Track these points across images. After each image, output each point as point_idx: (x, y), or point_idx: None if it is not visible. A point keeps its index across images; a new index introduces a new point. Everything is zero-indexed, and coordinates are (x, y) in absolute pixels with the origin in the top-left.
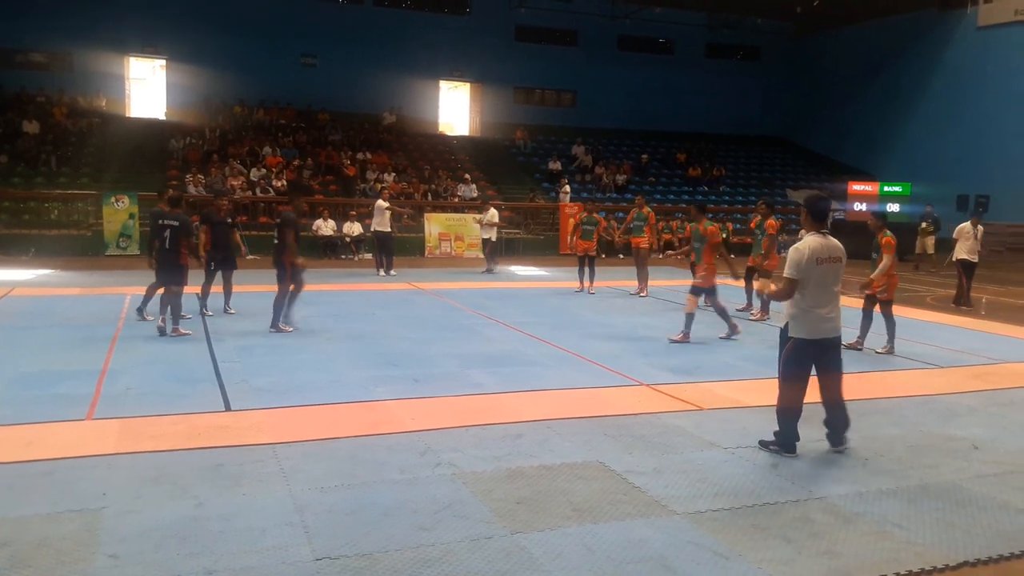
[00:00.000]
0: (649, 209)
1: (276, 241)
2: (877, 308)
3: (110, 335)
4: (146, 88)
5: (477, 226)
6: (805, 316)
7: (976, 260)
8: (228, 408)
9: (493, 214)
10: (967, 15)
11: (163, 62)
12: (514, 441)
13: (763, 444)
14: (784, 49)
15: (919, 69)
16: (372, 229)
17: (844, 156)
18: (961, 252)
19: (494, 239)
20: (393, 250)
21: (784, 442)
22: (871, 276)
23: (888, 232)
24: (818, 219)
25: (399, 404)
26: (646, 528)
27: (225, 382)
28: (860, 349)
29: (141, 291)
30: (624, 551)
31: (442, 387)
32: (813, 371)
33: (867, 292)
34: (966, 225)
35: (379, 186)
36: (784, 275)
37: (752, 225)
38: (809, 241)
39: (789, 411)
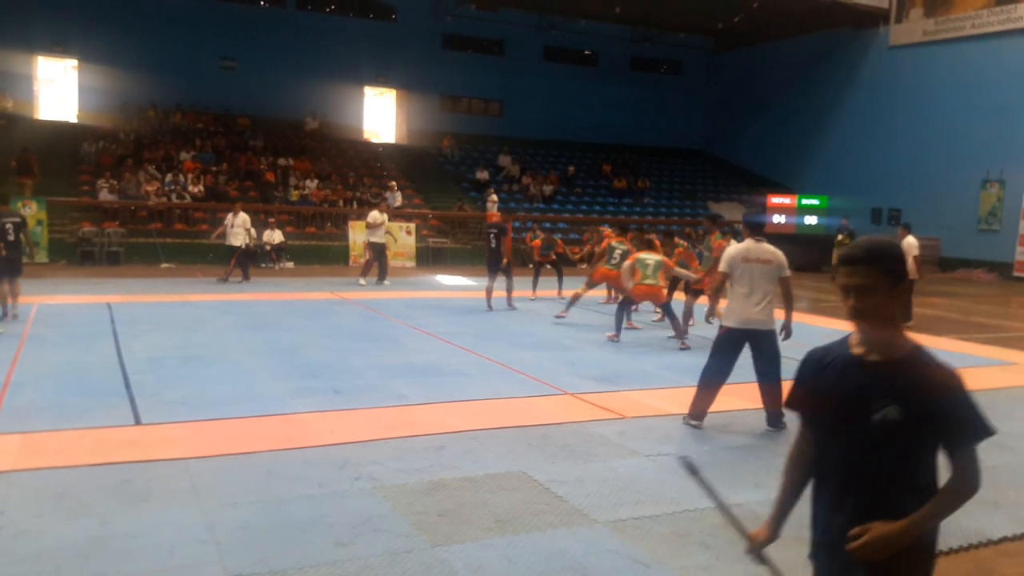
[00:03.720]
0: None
1: (493, 246)
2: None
3: (14, 346)
4: (56, 90)
5: (405, 235)
6: (733, 308)
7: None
8: (138, 422)
9: (244, 218)
10: (879, 34)
11: (75, 63)
12: (436, 453)
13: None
14: (706, 64)
15: (835, 86)
16: (368, 240)
17: (764, 169)
18: None
19: (242, 245)
20: (386, 260)
21: (693, 413)
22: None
23: (720, 236)
24: (753, 231)
25: (318, 417)
26: (567, 538)
27: (135, 395)
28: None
29: (50, 300)
30: (545, 562)
31: (364, 399)
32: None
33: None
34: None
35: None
36: (718, 270)
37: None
38: (741, 244)
39: (705, 385)
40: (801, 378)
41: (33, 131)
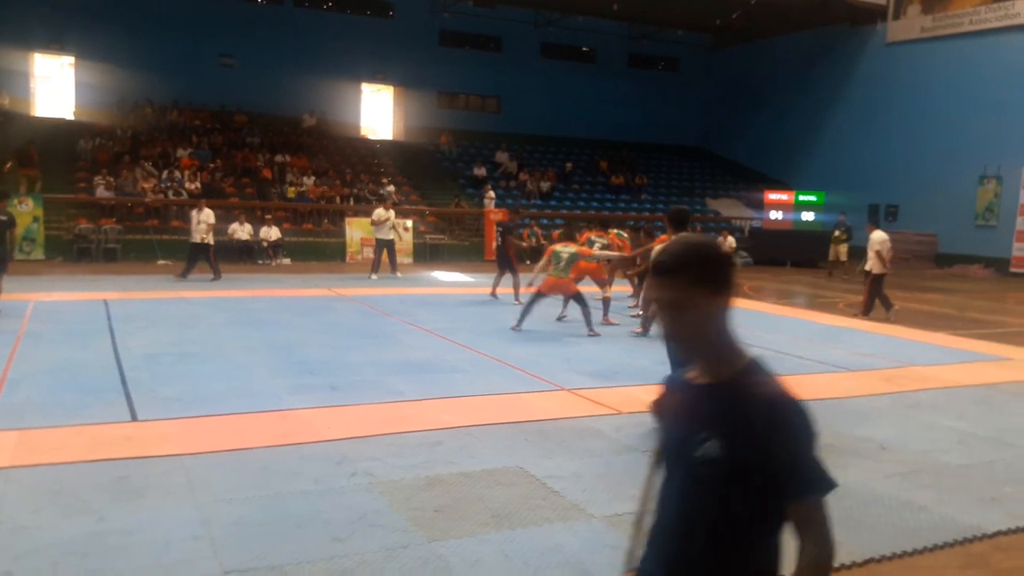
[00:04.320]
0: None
1: (500, 243)
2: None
3: (10, 343)
4: (53, 86)
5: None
6: None
7: (866, 269)
8: (134, 418)
9: (208, 214)
10: (877, 31)
11: (71, 60)
12: (433, 448)
13: None
14: (703, 60)
15: (833, 82)
16: (375, 237)
17: (761, 166)
18: None
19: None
20: (395, 254)
21: None
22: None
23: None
24: (677, 226)
25: (315, 413)
26: (564, 533)
27: (131, 391)
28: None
29: (46, 296)
30: (541, 556)
31: (361, 395)
32: None
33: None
34: None
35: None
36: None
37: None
38: (668, 242)
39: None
40: (656, 408)
41: (30, 128)
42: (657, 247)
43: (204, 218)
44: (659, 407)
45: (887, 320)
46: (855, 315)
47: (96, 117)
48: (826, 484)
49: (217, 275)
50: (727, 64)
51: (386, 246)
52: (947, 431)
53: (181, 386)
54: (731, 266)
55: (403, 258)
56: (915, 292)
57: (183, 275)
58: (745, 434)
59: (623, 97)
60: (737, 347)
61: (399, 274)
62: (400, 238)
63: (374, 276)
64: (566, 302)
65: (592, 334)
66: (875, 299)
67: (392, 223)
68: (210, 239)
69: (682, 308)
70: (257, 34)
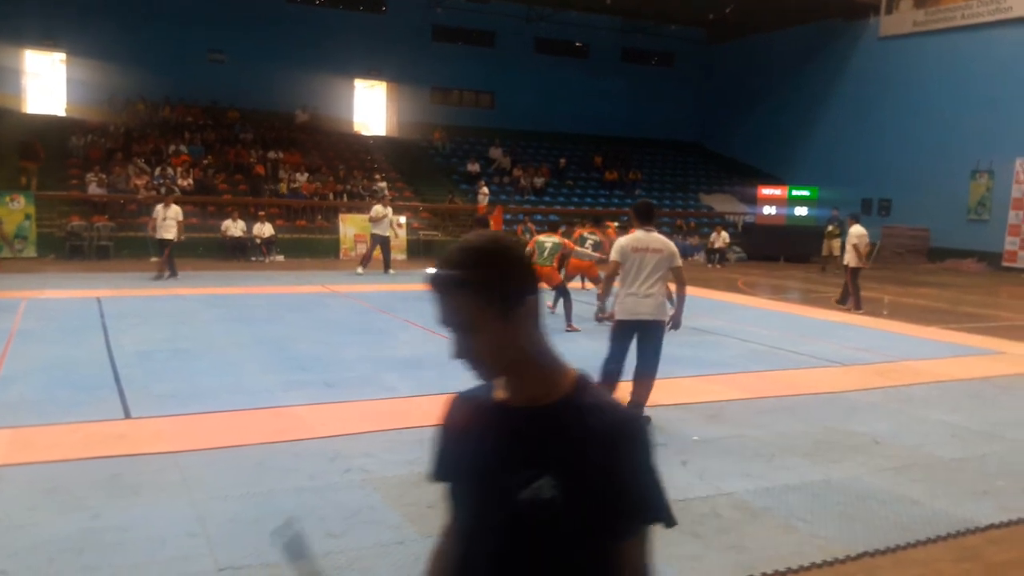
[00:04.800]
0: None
1: None
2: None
3: (3, 341)
4: (44, 83)
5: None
6: (623, 299)
7: (844, 263)
8: (128, 416)
9: (176, 211)
10: (870, 25)
11: (63, 56)
12: (427, 444)
13: None
14: (698, 55)
15: (826, 77)
16: (372, 232)
17: (755, 161)
18: None
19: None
20: (389, 252)
21: None
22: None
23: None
24: (642, 219)
25: (309, 409)
26: None
27: (125, 389)
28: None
29: (39, 294)
30: None
31: (354, 391)
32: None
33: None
34: None
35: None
36: (610, 259)
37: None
38: (631, 235)
39: (605, 378)
40: (440, 436)
41: (21, 125)
42: (622, 239)
43: (172, 215)
44: (448, 434)
45: (841, 309)
46: (848, 310)
47: (88, 114)
48: (666, 513)
49: (164, 275)
50: (721, 59)
51: (381, 242)
52: (940, 425)
53: (174, 383)
54: (527, 265)
55: (397, 254)
56: (908, 287)
57: (173, 274)
58: (586, 466)
59: (617, 92)
60: (557, 361)
61: (392, 271)
62: (396, 235)
63: (360, 270)
64: (556, 298)
65: (570, 328)
66: (860, 292)
67: (390, 219)
68: (179, 236)
69: (471, 328)
70: (248, 29)
